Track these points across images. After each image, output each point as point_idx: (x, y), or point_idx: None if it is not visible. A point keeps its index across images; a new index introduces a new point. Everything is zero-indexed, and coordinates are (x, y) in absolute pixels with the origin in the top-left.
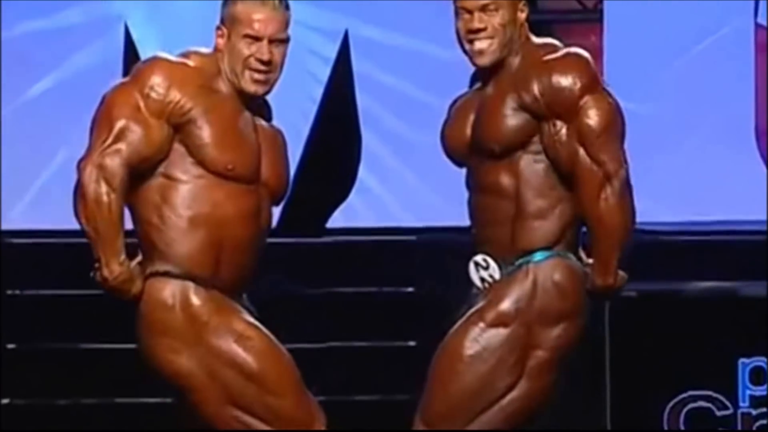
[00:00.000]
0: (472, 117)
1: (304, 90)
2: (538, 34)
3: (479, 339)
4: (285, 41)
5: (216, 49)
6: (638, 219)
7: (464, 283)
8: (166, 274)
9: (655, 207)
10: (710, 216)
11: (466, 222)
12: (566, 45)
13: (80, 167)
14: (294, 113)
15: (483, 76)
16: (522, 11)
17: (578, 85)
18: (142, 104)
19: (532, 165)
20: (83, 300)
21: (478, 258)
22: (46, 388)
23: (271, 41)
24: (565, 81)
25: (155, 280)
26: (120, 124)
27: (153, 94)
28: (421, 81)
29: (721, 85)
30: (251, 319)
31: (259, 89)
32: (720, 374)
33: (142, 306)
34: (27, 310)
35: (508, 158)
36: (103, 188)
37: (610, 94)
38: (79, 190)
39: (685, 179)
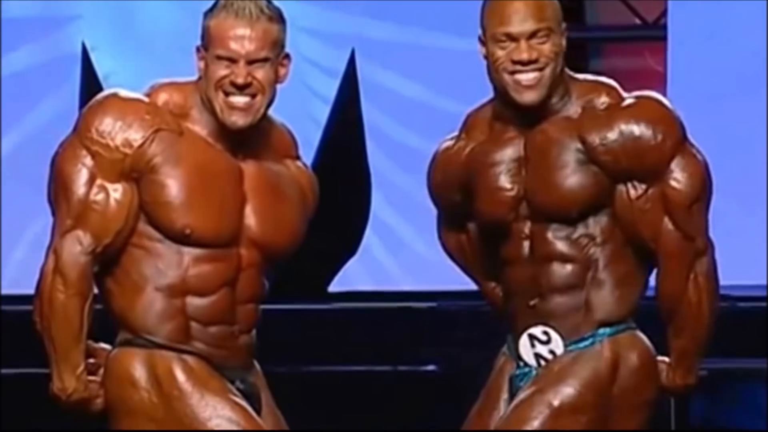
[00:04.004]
0: (509, 172)
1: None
2: (586, 55)
3: (546, 426)
4: (267, 60)
5: (198, 77)
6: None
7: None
8: (128, 343)
9: (730, 267)
10: None
11: None
12: (623, 69)
13: (45, 252)
14: None
15: (514, 117)
16: (563, 35)
17: (669, 142)
18: (94, 166)
19: (611, 226)
20: None
21: (536, 331)
22: None
23: (250, 62)
24: (652, 136)
25: (117, 352)
26: (77, 198)
27: (101, 150)
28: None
29: None
30: (235, 397)
31: (239, 119)
32: None
33: (105, 383)
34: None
35: (584, 222)
36: (58, 284)
37: (698, 150)
38: (39, 281)
39: (764, 233)
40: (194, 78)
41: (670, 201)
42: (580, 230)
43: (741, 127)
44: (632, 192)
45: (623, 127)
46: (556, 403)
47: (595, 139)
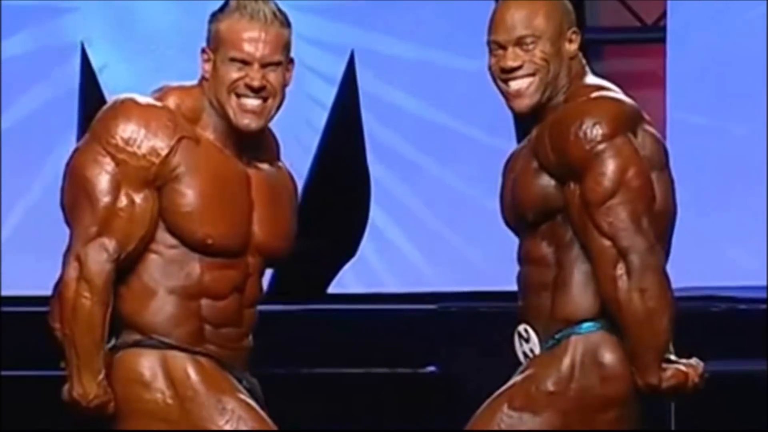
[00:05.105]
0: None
1: (303, 116)
2: (586, 57)
3: (502, 425)
4: (280, 64)
5: (202, 78)
6: (709, 283)
7: (499, 362)
8: (137, 344)
9: (729, 268)
10: None
11: (500, 286)
12: (622, 71)
13: (64, 259)
14: (289, 145)
15: (526, 123)
16: (571, 42)
17: (591, 135)
18: (119, 173)
19: (570, 229)
20: None
21: (520, 328)
22: None
23: (263, 65)
24: (576, 131)
25: (125, 352)
26: (102, 205)
27: (127, 158)
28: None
29: None
30: (246, 398)
31: (252, 122)
32: None
33: (113, 384)
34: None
35: (546, 224)
36: (84, 291)
37: (630, 143)
38: (59, 286)
39: (762, 234)
40: (196, 81)
41: (585, 199)
42: (548, 232)
43: (741, 129)
44: (568, 191)
45: (554, 124)
46: (511, 400)
47: (536, 138)
